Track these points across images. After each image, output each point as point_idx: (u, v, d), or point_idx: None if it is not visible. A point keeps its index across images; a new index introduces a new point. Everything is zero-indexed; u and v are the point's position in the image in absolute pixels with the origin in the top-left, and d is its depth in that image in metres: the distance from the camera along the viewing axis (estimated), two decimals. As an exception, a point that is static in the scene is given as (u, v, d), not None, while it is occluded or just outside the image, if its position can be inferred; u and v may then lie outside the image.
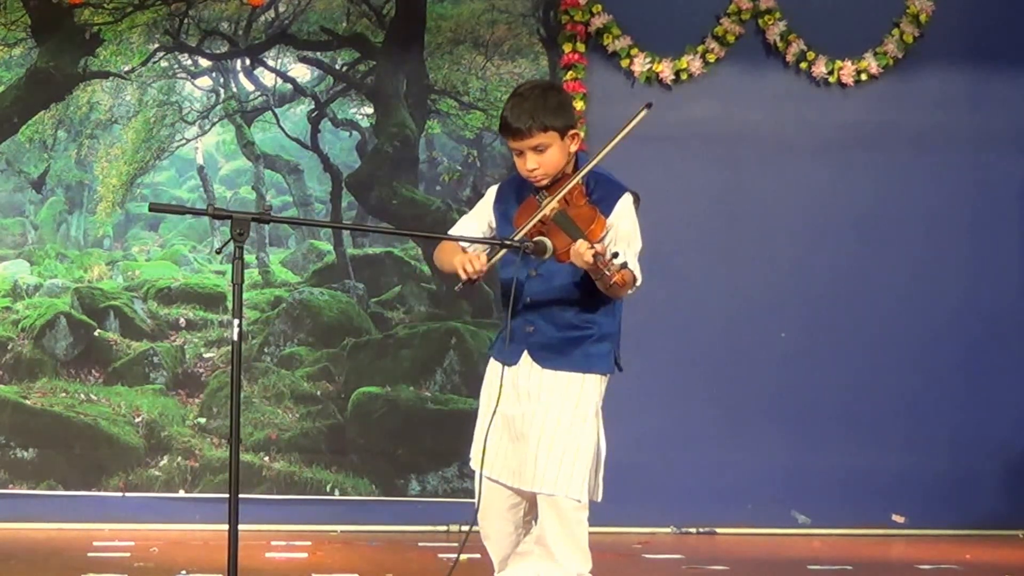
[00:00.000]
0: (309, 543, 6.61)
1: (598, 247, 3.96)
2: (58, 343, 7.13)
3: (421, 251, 7.26)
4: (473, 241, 4.32)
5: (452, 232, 4.42)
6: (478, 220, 4.40)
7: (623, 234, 4.17)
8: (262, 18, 7.29)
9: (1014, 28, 7.59)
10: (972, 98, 7.59)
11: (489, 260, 4.14)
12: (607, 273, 3.92)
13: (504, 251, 4.15)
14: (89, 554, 6.14)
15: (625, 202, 4.20)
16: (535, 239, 4.08)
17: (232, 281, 3.77)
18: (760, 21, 7.42)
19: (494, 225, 4.36)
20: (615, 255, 3.95)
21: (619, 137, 4.17)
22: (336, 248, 7.32)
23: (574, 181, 4.14)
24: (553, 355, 4.21)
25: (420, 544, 6.69)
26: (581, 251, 3.95)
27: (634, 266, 4.10)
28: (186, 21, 7.22)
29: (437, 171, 7.38)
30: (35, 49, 7.15)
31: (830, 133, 7.51)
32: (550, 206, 4.11)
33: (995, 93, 7.59)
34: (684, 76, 7.38)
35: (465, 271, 4.09)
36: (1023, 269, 7.64)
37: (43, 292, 7.15)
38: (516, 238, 4.10)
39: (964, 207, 7.59)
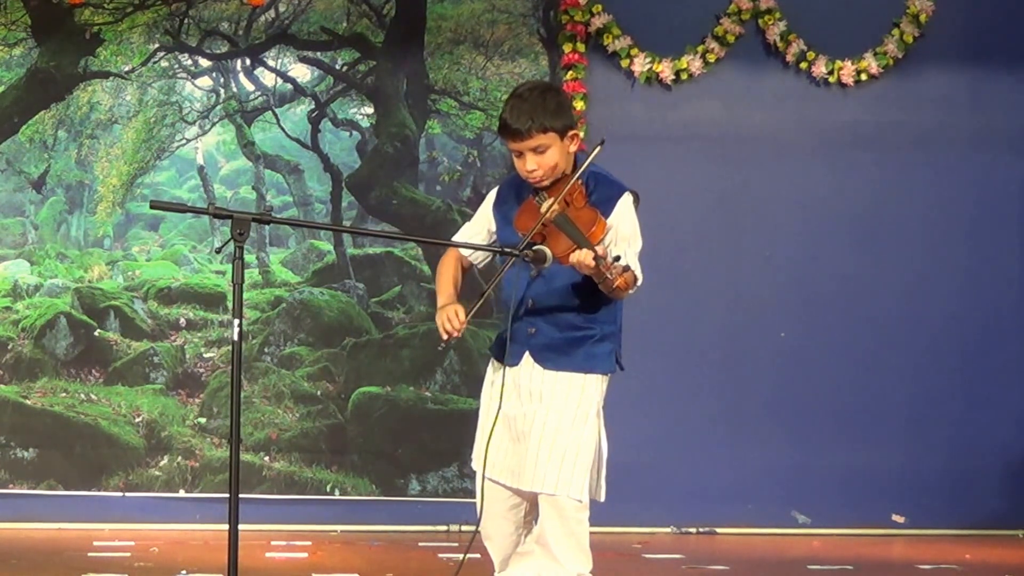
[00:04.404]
0: (309, 543, 6.62)
1: (599, 250, 3.96)
2: (58, 343, 7.13)
3: (421, 251, 7.26)
4: (473, 247, 4.33)
5: (453, 239, 4.44)
6: (478, 226, 4.42)
7: (623, 235, 4.18)
8: (262, 18, 7.29)
9: (1014, 28, 7.59)
10: (972, 98, 7.60)
11: (468, 315, 4.19)
12: (609, 277, 3.92)
13: (512, 261, 4.17)
14: (89, 554, 6.15)
15: (625, 202, 4.20)
16: (535, 248, 4.08)
17: (232, 281, 3.77)
18: (760, 21, 7.42)
19: (493, 229, 4.37)
20: (617, 258, 3.95)
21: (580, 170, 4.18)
22: (336, 248, 7.32)
23: (572, 182, 4.14)
24: (555, 356, 4.21)
25: (420, 544, 6.69)
26: (582, 256, 3.95)
27: (635, 266, 4.10)
28: (186, 21, 7.22)
29: (437, 171, 7.38)
30: (35, 49, 7.16)
31: (830, 133, 7.51)
32: (551, 209, 4.11)
33: (995, 93, 7.59)
34: (684, 76, 7.38)
35: (446, 330, 4.17)
36: (1023, 269, 7.64)
37: (43, 292, 7.15)
38: (519, 245, 4.11)
39: (964, 207, 7.59)
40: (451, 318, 4.17)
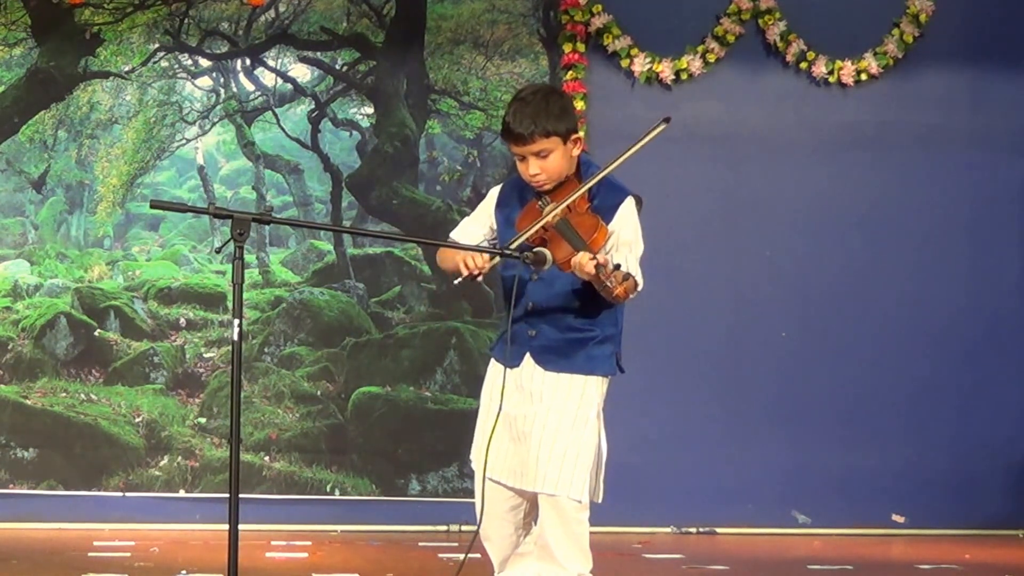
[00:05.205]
0: (309, 543, 6.62)
1: (600, 258, 3.94)
2: (58, 343, 7.13)
3: (421, 251, 7.26)
4: (473, 249, 4.32)
5: (453, 234, 4.42)
6: (479, 223, 4.40)
7: (625, 240, 4.17)
8: (262, 18, 7.29)
9: (1014, 28, 7.59)
10: (972, 98, 7.60)
11: (491, 261, 4.15)
12: (609, 285, 3.90)
13: (497, 262, 4.16)
14: (89, 554, 6.15)
15: (627, 207, 4.19)
16: (535, 250, 4.06)
17: (232, 281, 3.76)
18: (760, 21, 7.42)
19: (495, 227, 4.36)
20: (617, 267, 3.93)
21: (633, 150, 4.14)
22: (336, 248, 7.33)
23: (579, 192, 4.12)
24: (556, 357, 4.20)
25: (420, 544, 6.70)
26: (583, 263, 3.94)
27: (635, 271, 4.09)
28: (186, 21, 7.22)
29: (437, 171, 7.38)
30: (35, 49, 7.16)
31: (830, 133, 7.51)
32: (553, 214, 4.10)
33: (995, 93, 7.59)
34: (684, 76, 7.38)
35: (467, 266, 4.10)
36: (1023, 269, 7.65)
37: (43, 292, 7.16)
38: (516, 246, 4.09)
39: (964, 207, 7.59)
40: (474, 256, 4.10)
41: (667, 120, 4.14)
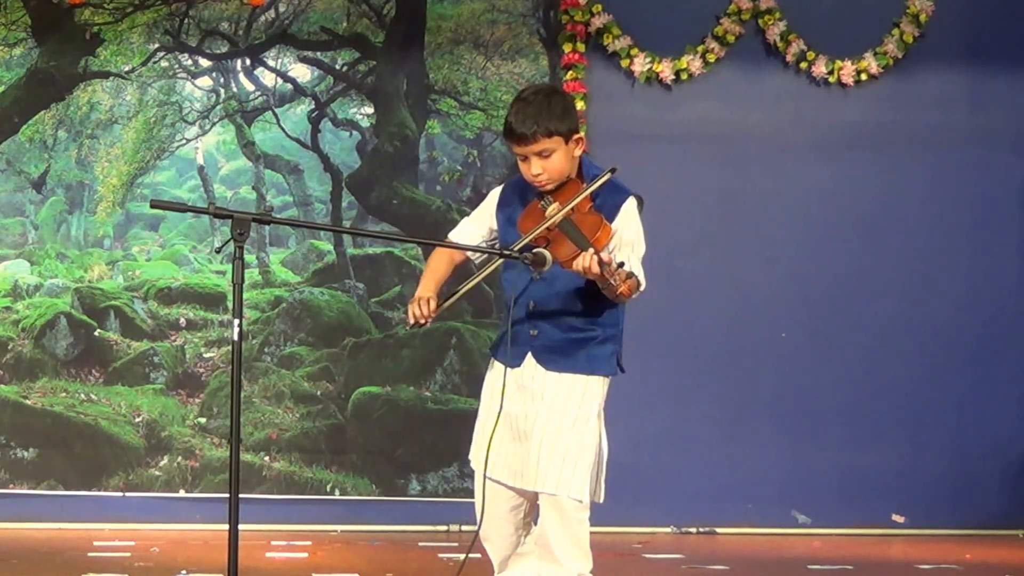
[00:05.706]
0: (309, 543, 6.62)
1: (604, 256, 3.95)
2: (58, 343, 7.13)
3: (421, 251, 7.26)
4: (472, 250, 4.33)
5: (452, 234, 4.43)
6: (478, 224, 4.40)
7: (627, 240, 4.17)
8: (262, 18, 7.29)
9: (1014, 28, 7.59)
10: (972, 98, 7.60)
11: (440, 306, 4.18)
12: (613, 283, 3.91)
13: (500, 261, 4.17)
14: (89, 554, 6.14)
15: (629, 207, 4.20)
16: (535, 250, 4.06)
17: (232, 281, 3.76)
18: (760, 21, 7.42)
19: (495, 227, 4.36)
20: (621, 265, 3.94)
21: (582, 195, 4.15)
22: (336, 248, 7.33)
23: (581, 196, 4.12)
24: (557, 357, 4.21)
25: (420, 544, 6.69)
26: (587, 262, 3.94)
27: (638, 271, 4.10)
28: (186, 21, 7.22)
29: (437, 171, 7.38)
30: (35, 49, 7.16)
31: (830, 133, 7.51)
32: (556, 215, 4.10)
33: (995, 93, 7.59)
34: (684, 76, 7.38)
35: (415, 316, 4.16)
36: (1023, 269, 7.64)
37: (43, 292, 7.16)
38: (518, 247, 4.10)
39: (964, 207, 7.59)
40: (422, 305, 4.16)
41: (613, 170, 4.17)
